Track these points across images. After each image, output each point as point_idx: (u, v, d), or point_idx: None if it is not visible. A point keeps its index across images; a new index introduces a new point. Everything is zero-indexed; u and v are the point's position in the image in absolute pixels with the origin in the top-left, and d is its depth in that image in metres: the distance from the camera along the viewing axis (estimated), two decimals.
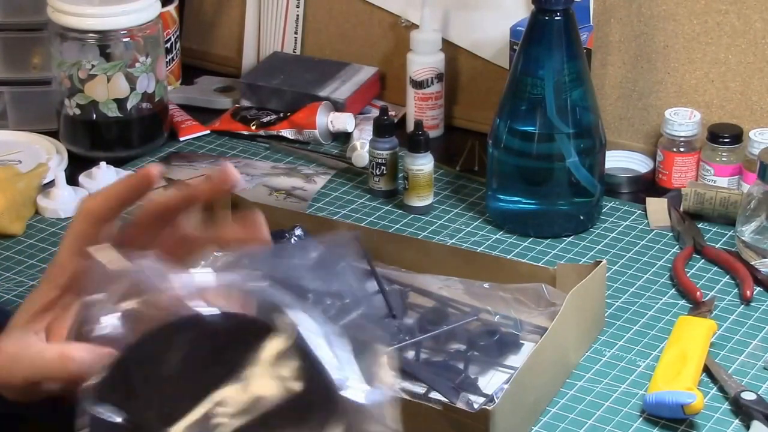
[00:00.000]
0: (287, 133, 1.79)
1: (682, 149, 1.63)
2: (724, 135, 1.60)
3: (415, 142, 1.59)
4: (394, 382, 0.80)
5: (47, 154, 1.70)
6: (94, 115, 1.71)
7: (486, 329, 1.30)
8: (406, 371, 1.24)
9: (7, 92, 1.79)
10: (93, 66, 1.68)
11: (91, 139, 1.73)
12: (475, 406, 1.18)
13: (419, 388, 1.22)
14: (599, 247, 1.53)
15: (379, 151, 1.62)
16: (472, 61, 1.81)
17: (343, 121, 1.77)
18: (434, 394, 1.21)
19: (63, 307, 0.87)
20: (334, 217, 1.57)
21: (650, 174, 1.67)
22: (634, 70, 1.70)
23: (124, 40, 1.69)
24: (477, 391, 1.22)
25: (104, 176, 1.64)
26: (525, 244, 1.53)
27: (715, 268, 1.48)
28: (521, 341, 1.30)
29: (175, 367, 0.76)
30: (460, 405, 1.17)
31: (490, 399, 1.19)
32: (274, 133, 1.79)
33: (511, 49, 1.65)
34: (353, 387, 0.76)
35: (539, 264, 1.42)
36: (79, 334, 0.83)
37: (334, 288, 1.12)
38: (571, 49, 1.49)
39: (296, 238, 1.28)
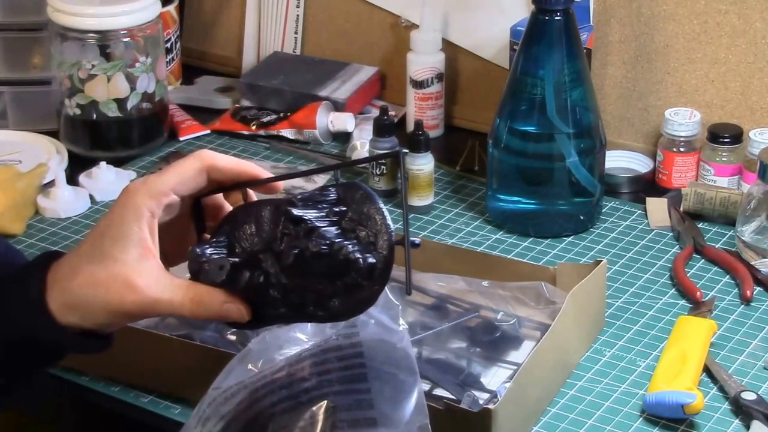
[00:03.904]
0: (287, 133, 1.79)
1: (682, 149, 1.63)
2: (724, 135, 1.60)
3: (415, 142, 1.59)
4: None
5: (47, 154, 1.70)
6: (95, 115, 1.71)
7: (487, 326, 1.30)
8: None
9: (8, 92, 1.79)
10: (93, 66, 1.68)
11: (91, 139, 1.73)
12: (480, 401, 1.18)
13: (423, 385, 1.22)
14: (599, 247, 1.53)
15: (379, 151, 1.62)
16: (472, 61, 1.81)
17: (343, 121, 1.77)
18: (437, 392, 1.21)
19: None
20: None
21: (650, 174, 1.67)
22: (634, 70, 1.70)
23: (124, 40, 1.69)
24: (481, 387, 1.22)
25: (104, 176, 1.64)
26: (525, 244, 1.53)
27: (715, 268, 1.48)
28: (522, 337, 1.30)
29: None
30: (465, 402, 1.17)
31: (494, 395, 1.19)
32: (274, 133, 1.79)
33: (511, 49, 1.65)
34: None
35: (539, 264, 1.43)
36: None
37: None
38: (571, 49, 1.49)
39: None
